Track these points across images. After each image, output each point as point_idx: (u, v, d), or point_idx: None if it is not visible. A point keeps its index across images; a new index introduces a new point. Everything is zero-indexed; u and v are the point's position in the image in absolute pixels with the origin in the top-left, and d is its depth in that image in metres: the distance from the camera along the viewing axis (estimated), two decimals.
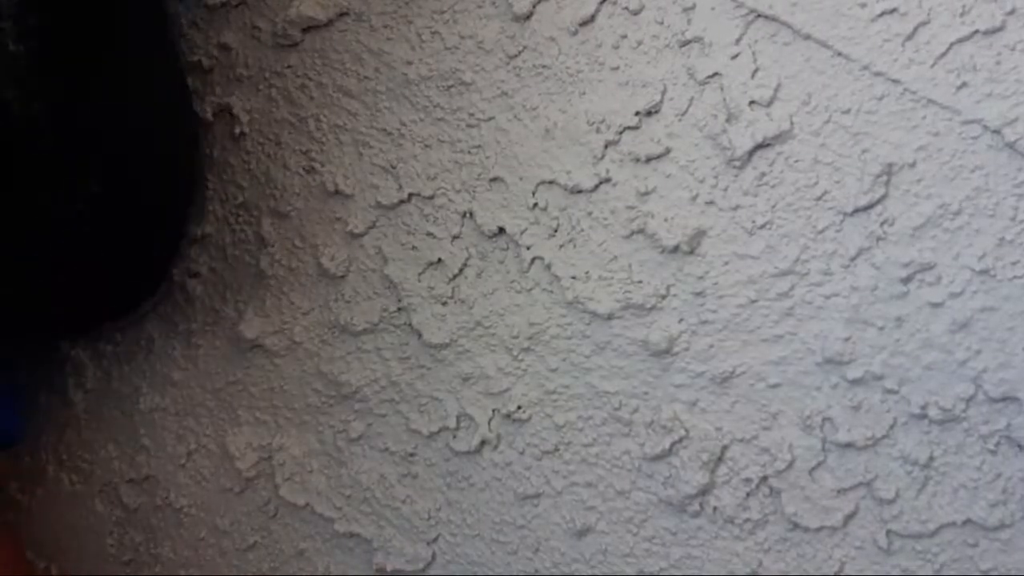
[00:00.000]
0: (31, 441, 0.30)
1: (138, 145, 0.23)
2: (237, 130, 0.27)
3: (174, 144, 0.25)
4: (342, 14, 0.26)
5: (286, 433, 0.27)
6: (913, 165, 0.23)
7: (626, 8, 0.24)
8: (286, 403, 0.27)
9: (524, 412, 0.25)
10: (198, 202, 0.26)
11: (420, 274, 0.26)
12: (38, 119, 0.21)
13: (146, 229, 0.24)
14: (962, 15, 0.22)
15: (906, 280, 0.23)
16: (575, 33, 0.24)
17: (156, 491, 0.29)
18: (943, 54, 0.22)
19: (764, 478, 0.24)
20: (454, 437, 0.26)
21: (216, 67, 0.27)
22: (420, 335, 0.26)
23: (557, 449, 0.26)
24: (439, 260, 0.26)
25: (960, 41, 0.22)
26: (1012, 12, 0.22)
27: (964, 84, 0.22)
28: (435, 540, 0.27)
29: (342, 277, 0.27)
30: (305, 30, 0.26)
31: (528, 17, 0.25)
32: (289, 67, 0.27)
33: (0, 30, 0.21)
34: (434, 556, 0.27)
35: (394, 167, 0.26)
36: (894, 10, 0.22)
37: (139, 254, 0.25)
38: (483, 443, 0.26)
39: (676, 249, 0.24)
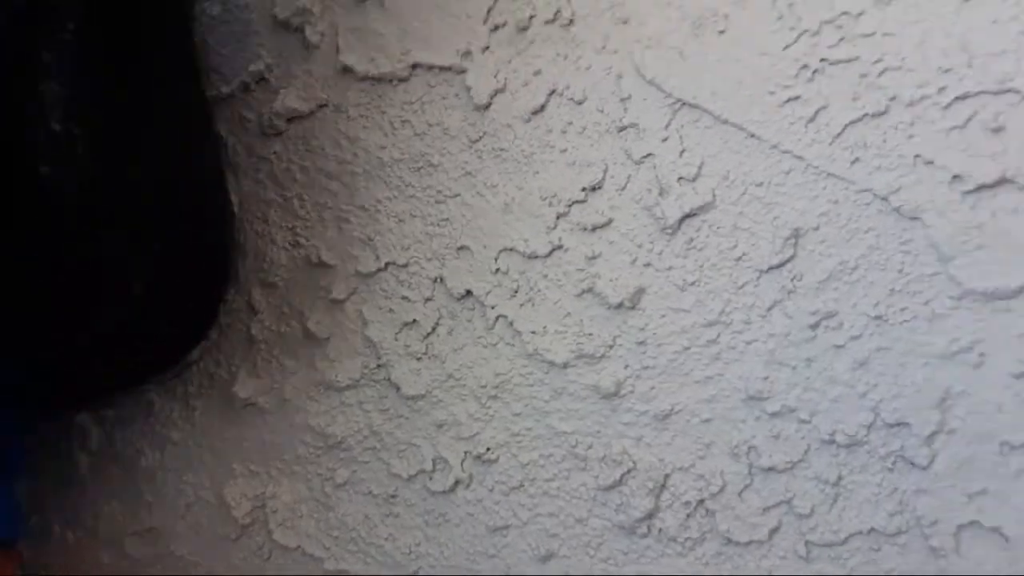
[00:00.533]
0: (38, 502, 0.31)
1: (184, 223, 0.24)
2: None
3: (217, 218, 0.26)
4: (322, 105, 0.28)
5: (277, 483, 0.29)
6: (817, 228, 0.26)
7: (571, 99, 0.27)
8: (277, 455, 0.29)
9: (492, 453, 0.28)
10: (234, 269, 0.28)
11: (397, 333, 0.28)
12: (84, 195, 0.22)
13: (188, 300, 0.26)
14: (854, 100, 0.25)
15: (813, 326, 0.26)
16: (528, 120, 0.27)
17: (158, 541, 0.31)
18: (839, 134, 0.26)
19: (701, 501, 0.27)
20: (430, 479, 0.28)
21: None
22: (398, 388, 0.28)
23: (522, 485, 0.28)
24: (414, 320, 0.28)
25: (853, 123, 0.26)
26: (894, 98, 0.25)
27: (857, 159, 0.25)
28: (416, 572, 0.29)
29: (326, 339, 0.29)
30: (289, 120, 0.29)
31: (487, 107, 0.27)
32: (275, 153, 0.29)
33: (44, 115, 0.22)
34: None
35: (371, 239, 0.28)
36: (798, 97, 0.26)
37: (182, 322, 0.26)
38: (457, 483, 0.28)
39: (620, 305, 0.27)
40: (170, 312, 0.25)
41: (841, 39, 0.25)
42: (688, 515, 0.27)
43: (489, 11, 0.27)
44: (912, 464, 0.26)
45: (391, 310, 0.28)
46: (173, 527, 0.30)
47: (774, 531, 0.27)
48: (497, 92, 0.27)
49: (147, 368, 0.26)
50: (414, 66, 0.27)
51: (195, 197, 0.25)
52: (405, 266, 0.28)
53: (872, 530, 0.26)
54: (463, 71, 0.27)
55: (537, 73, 0.27)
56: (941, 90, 0.25)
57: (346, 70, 0.28)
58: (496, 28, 0.27)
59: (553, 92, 0.27)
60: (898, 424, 0.26)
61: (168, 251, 0.24)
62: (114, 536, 0.31)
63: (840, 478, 0.26)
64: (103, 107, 0.22)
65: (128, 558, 0.30)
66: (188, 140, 0.25)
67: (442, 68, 0.27)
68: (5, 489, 0.28)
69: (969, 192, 0.25)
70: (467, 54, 0.27)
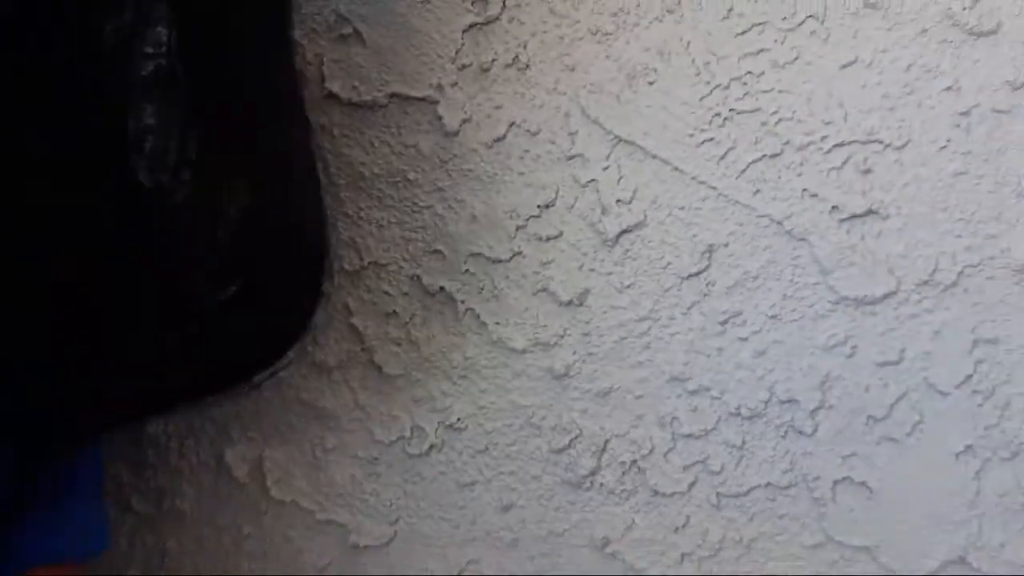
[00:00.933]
0: None
1: (285, 225, 0.34)
2: None
3: (315, 219, 0.36)
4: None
5: (273, 447, 0.48)
6: (726, 245, 0.45)
7: (527, 131, 0.45)
8: (273, 425, 0.48)
9: (462, 423, 0.47)
10: (329, 270, 0.39)
11: (378, 323, 0.47)
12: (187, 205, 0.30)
13: (286, 300, 0.36)
14: (756, 143, 0.44)
15: (723, 323, 0.45)
16: (491, 147, 0.45)
17: (163, 500, 0.50)
18: (744, 170, 0.44)
19: (634, 461, 0.47)
20: (409, 444, 0.48)
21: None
22: (380, 369, 0.47)
23: (487, 449, 0.48)
24: (393, 311, 0.47)
25: (755, 161, 0.44)
26: (788, 143, 0.44)
27: (758, 191, 0.44)
28: (396, 521, 0.49)
29: (315, 327, 0.47)
30: None
31: (456, 133, 0.45)
32: None
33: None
34: (395, 533, 0.48)
35: (355, 241, 0.47)
36: (712, 139, 0.44)
37: (278, 326, 0.36)
38: (431, 447, 0.48)
39: (569, 303, 0.46)
40: (267, 314, 0.35)
41: (746, 93, 0.43)
42: (624, 472, 0.47)
43: (457, 52, 0.44)
44: (800, 432, 0.46)
45: (374, 303, 0.47)
46: (177, 486, 0.49)
47: (692, 484, 0.47)
48: (464, 121, 0.45)
49: (246, 368, 0.37)
50: (392, 95, 0.45)
51: (295, 197, 0.35)
52: (385, 265, 0.46)
53: (769, 484, 0.47)
54: (435, 102, 0.45)
55: (498, 107, 0.45)
56: (823, 138, 0.43)
57: (331, 95, 0.45)
58: (463, 67, 0.44)
59: (512, 124, 0.45)
60: (789, 401, 0.46)
61: (268, 254, 0.33)
62: (122, 495, 0.50)
63: (744, 443, 0.46)
64: (203, 110, 0.31)
65: (135, 513, 0.49)
66: (289, 143, 0.35)
67: (417, 99, 0.45)
68: (97, 502, 0.38)
69: (844, 219, 0.44)
70: (439, 87, 0.45)
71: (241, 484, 0.48)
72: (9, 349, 0.31)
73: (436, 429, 0.47)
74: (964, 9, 0.41)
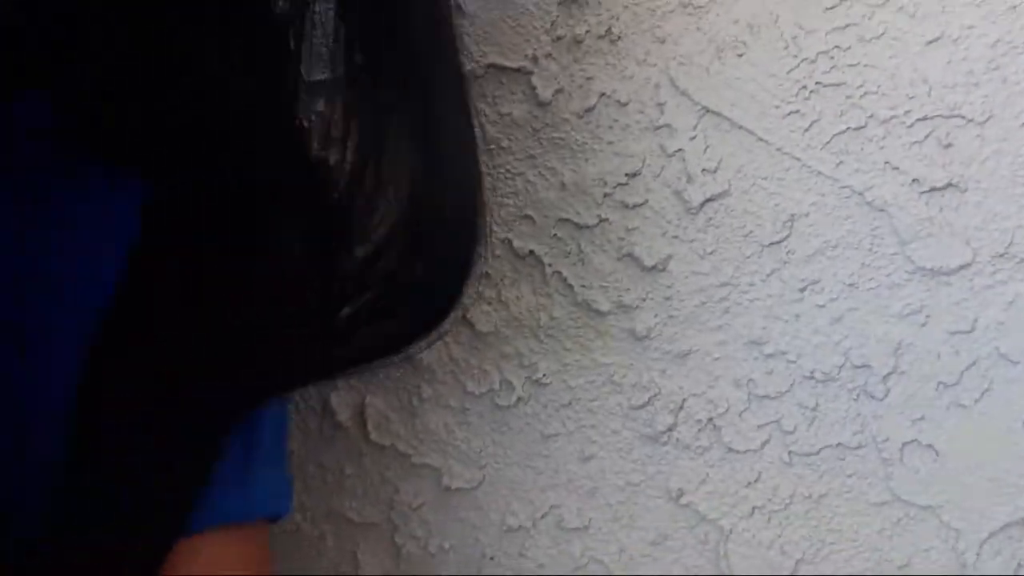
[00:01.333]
0: None
1: (448, 192, 0.34)
2: None
3: (473, 184, 0.36)
4: None
5: (374, 395, 0.52)
6: (807, 215, 0.46)
7: (617, 101, 0.47)
8: (373, 375, 0.52)
9: (547, 379, 0.50)
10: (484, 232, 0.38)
11: (472, 283, 0.50)
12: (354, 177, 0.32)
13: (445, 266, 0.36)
14: (840, 116, 0.45)
15: (802, 290, 0.47)
16: (581, 116, 0.47)
17: None
18: (828, 142, 0.46)
19: (710, 419, 0.49)
20: (498, 396, 0.51)
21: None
22: (473, 326, 0.50)
23: (570, 403, 0.50)
24: (486, 273, 0.49)
25: (839, 134, 0.45)
26: (872, 116, 0.45)
27: (841, 162, 0.46)
28: (484, 467, 0.52)
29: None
30: None
31: (548, 104, 0.47)
32: None
33: None
34: (484, 478, 0.51)
35: None
36: (797, 111, 0.45)
37: (438, 290, 0.37)
38: (518, 400, 0.50)
39: (653, 268, 0.48)
40: (427, 281, 0.36)
41: (833, 67, 0.45)
42: (699, 430, 0.50)
43: (552, 24, 0.46)
44: (871, 396, 0.48)
45: None
46: (288, 429, 0.53)
47: (765, 443, 0.49)
48: (557, 92, 0.47)
49: (402, 340, 0.37)
50: (488, 66, 0.47)
51: (458, 161, 0.35)
52: None
53: (839, 444, 0.49)
54: (530, 73, 0.47)
55: (590, 78, 0.46)
56: (907, 112, 0.44)
57: None
58: (557, 39, 0.46)
59: (602, 95, 0.46)
60: (863, 366, 0.47)
61: (431, 222, 0.34)
62: None
63: (817, 405, 0.48)
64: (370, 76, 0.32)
65: None
66: (447, 107, 0.35)
67: (512, 69, 0.47)
68: (282, 469, 0.39)
69: (924, 192, 0.45)
70: (533, 59, 0.47)
71: (344, 428, 0.52)
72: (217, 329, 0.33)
73: (523, 383, 0.49)
74: None
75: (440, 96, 0.35)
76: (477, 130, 0.37)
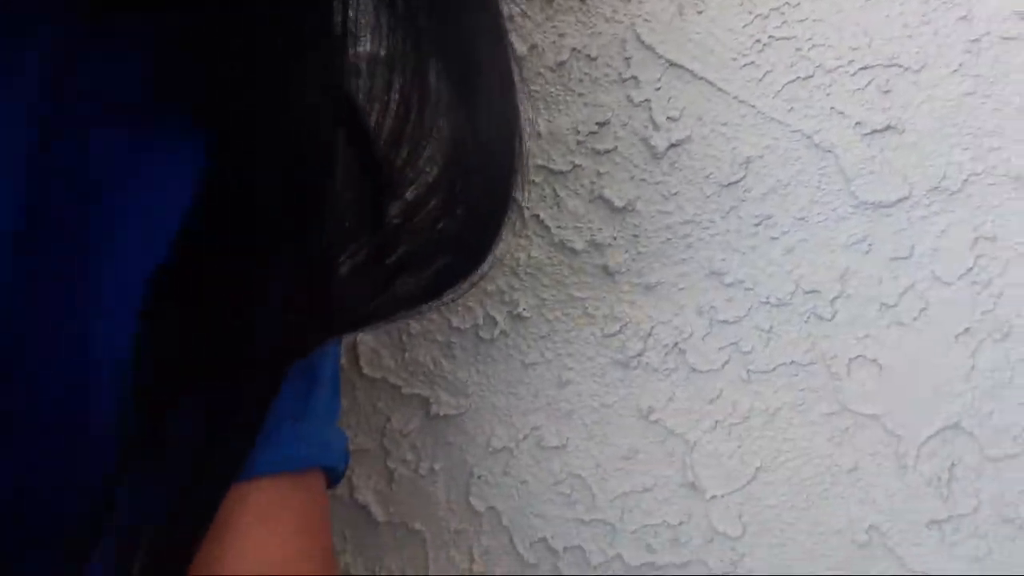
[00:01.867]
0: None
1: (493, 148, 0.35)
2: None
3: (511, 129, 0.36)
4: None
5: (365, 332, 0.56)
6: (761, 157, 0.51)
7: (587, 56, 0.50)
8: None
9: (527, 313, 0.54)
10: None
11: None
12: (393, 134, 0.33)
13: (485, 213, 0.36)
14: (791, 67, 0.49)
15: (756, 225, 0.52)
16: (554, 70, 0.51)
17: None
18: (779, 91, 0.50)
19: (676, 344, 0.54)
20: (481, 330, 0.55)
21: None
22: None
23: (548, 335, 0.55)
24: None
25: (789, 83, 0.50)
26: (819, 66, 0.49)
27: (791, 109, 0.50)
28: (470, 395, 0.56)
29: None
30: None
31: (524, 59, 0.50)
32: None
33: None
34: (469, 405, 0.56)
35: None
36: (752, 63, 0.50)
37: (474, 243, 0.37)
38: (501, 333, 0.55)
39: (622, 209, 0.52)
40: (466, 228, 0.36)
41: (783, 22, 0.49)
42: (666, 354, 0.54)
43: None
44: (821, 318, 0.53)
45: None
46: None
47: (725, 363, 0.54)
48: (531, 48, 0.50)
49: (438, 287, 0.37)
50: None
51: (496, 113, 0.35)
52: None
53: (792, 362, 0.54)
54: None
55: (561, 35, 0.50)
56: (850, 62, 0.49)
57: None
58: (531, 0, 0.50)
59: (574, 50, 0.50)
60: (812, 291, 0.53)
61: (471, 170, 0.35)
62: None
63: (771, 328, 0.53)
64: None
65: None
66: (485, 52, 0.35)
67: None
68: (335, 422, 0.39)
69: (866, 134, 0.50)
70: (509, 18, 0.50)
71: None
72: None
73: (504, 318, 0.54)
74: None
75: (479, 42, 0.35)
76: (516, 75, 0.37)
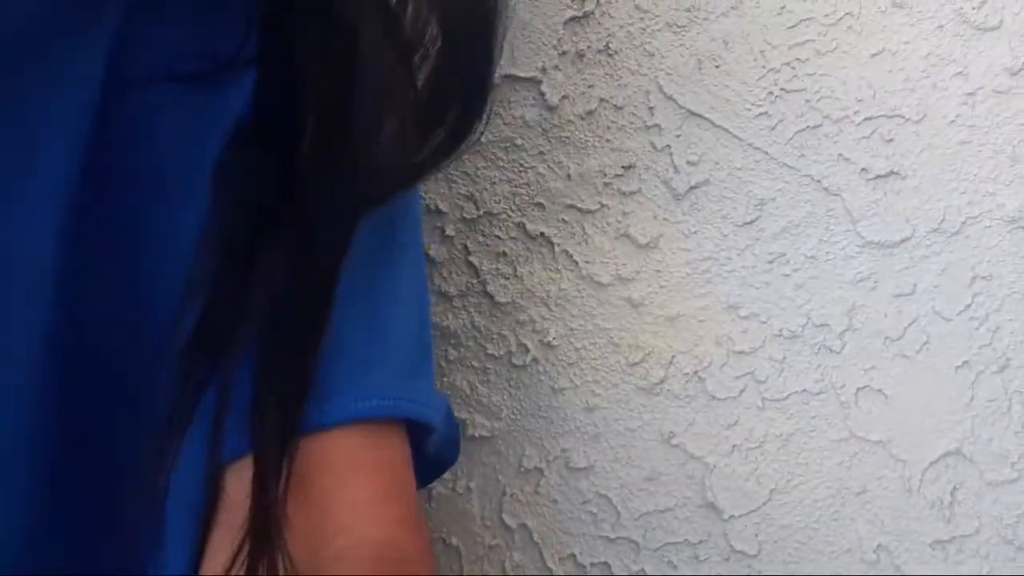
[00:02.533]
0: None
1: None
2: None
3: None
4: None
5: None
6: (774, 199, 0.55)
7: (614, 105, 0.55)
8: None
9: (556, 341, 0.59)
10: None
11: (491, 261, 0.58)
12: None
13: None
14: (800, 117, 0.54)
15: (770, 262, 0.56)
16: (584, 118, 0.56)
17: None
18: (791, 138, 0.54)
19: (696, 372, 0.58)
20: (514, 357, 0.59)
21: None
22: (492, 297, 0.58)
23: (576, 362, 0.59)
24: (503, 252, 0.58)
25: (799, 131, 0.54)
26: (827, 117, 0.54)
27: (802, 155, 0.54)
28: (503, 418, 0.61)
29: (441, 263, 0.58)
30: None
31: (556, 108, 0.55)
32: None
33: None
34: (503, 427, 0.60)
35: (473, 196, 0.58)
36: (765, 112, 0.54)
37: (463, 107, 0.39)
38: (532, 360, 0.59)
39: (646, 245, 0.57)
40: (467, 83, 0.39)
41: (794, 76, 0.53)
42: (687, 381, 0.59)
43: (558, 41, 0.54)
44: (830, 350, 0.57)
45: (487, 244, 0.58)
46: None
47: (742, 391, 0.58)
48: (563, 98, 0.55)
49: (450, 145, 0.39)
50: (504, 76, 0.55)
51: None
52: (497, 215, 0.57)
53: (804, 390, 0.58)
54: (539, 82, 0.55)
55: (591, 86, 0.55)
56: (856, 113, 0.53)
57: None
58: (563, 53, 0.55)
59: (602, 100, 0.55)
60: (822, 325, 0.57)
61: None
62: None
63: (784, 358, 0.57)
64: None
65: None
66: None
67: (524, 79, 0.55)
68: (424, 379, 0.40)
69: (871, 179, 0.54)
70: (543, 70, 0.55)
71: None
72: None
73: (536, 346, 0.58)
74: (973, 8, 0.51)
75: None
76: None
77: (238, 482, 0.33)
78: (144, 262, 0.36)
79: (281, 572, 0.32)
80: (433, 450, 0.41)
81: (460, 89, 0.40)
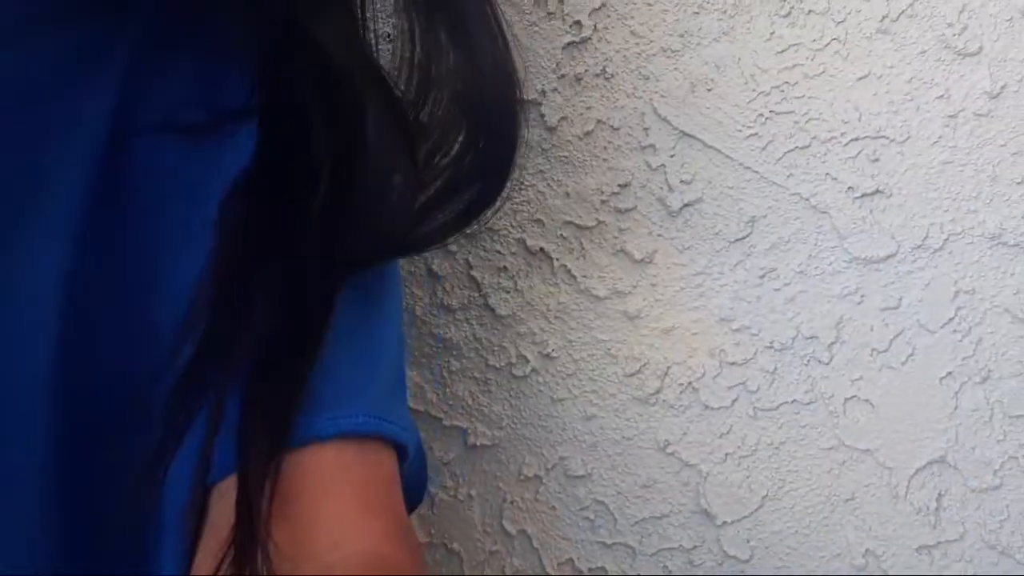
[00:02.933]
0: None
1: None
2: None
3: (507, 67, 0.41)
4: None
5: (410, 368, 0.62)
6: (764, 217, 0.58)
7: (611, 126, 0.57)
8: (409, 352, 0.62)
9: (555, 353, 0.61)
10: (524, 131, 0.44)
11: (492, 275, 0.60)
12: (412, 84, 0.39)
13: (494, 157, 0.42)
14: (790, 138, 0.56)
15: (761, 277, 0.58)
16: (582, 139, 0.58)
17: None
18: (780, 158, 0.57)
19: (690, 383, 0.60)
20: (514, 368, 0.61)
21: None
22: (493, 311, 0.61)
23: (575, 373, 0.61)
24: (504, 266, 0.60)
25: (788, 152, 0.57)
26: (815, 138, 0.56)
27: (791, 174, 0.57)
28: (503, 427, 0.63)
29: (443, 277, 0.61)
30: None
31: (555, 128, 0.58)
32: None
33: None
34: (503, 436, 0.63)
35: None
36: (756, 134, 0.57)
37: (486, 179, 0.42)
38: (532, 371, 0.61)
39: (641, 260, 0.59)
40: (484, 160, 0.41)
41: (783, 98, 0.56)
42: (681, 392, 0.61)
43: (557, 65, 0.57)
44: (819, 361, 0.59)
45: (488, 259, 0.60)
46: None
47: (734, 401, 0.60)
48: (561, 119, 0.58)
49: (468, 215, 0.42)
50: None
51: (490, 53, 0.40)
52: (498, 231, 0.59)
53: (794, 400, 0.60)
54: (539, 103, 0.57)
55: (588, 108, 0.57)
56: (843, 134, 0.55)
57: None
58: (561, 77, 0.57)
59: (599, 121, 0.57)
60: (811, 337, 0.59)
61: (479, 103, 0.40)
62: None
63: (775, 369, 0.60)
64: None
65: None
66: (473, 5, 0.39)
67: (525, 101, 0.58)
68: (400, 401, 0.42)
69: (857, 197, 0.56)
70: (543, 92, 0.57)
71: None
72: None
73: (535, 357, 0.60)
74: (954, 35, 0.53)
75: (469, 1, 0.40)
76: (503, 20, 0.42)
77: (225, 501, 0.34)
78: (145, 301, 0.38)
79: None
80: (404, 482, 0.41)
81: (480, 174, 0.43)
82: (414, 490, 0.41)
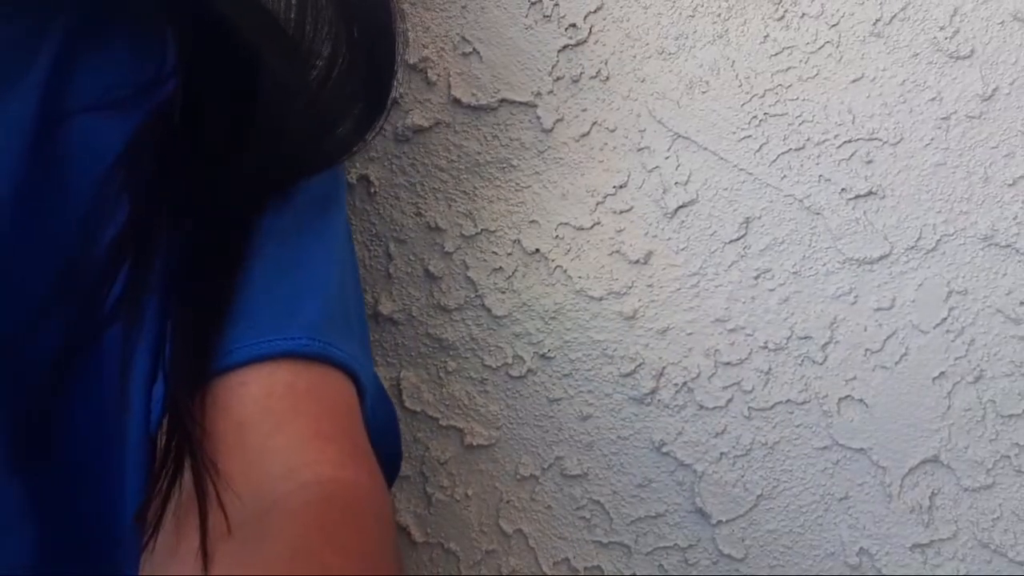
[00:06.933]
0: None
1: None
2: (372, 190, 0.61)
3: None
4: (437, 123, 0.60)
5: (407, 370, 0.63)
6: (759, 218, 0.59)
7: (607, 128, 0.59)
8: (408, 353, 0.63)
9: (552, 353, 0.62)
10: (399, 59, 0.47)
11: (488, 276, 0.62)
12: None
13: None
14: (784, 140, 0.58)
15: (756, 278, 0.60)
16: (578, 140, 0.59)
17: None
18: (774, 160, 0.58)
19: (685, 383, 0.62)
20: (511, 368, 0.63)
21: (359, 152, 0.61)
22: (490, 311, 0.62)
23: (571, 373, 0.62)
24: (500, 267, 0.61)
25: (783, 153, 0.58)
26: (808, 139, 0.58)
27: (785, 176, 0.58)
28: (500, 427, 0.64)
29: (440, 278, 0.62)
30: (415, 131, 0.60)
31: (551, 130, 0.59)
32: (404, 152, 0.61)
33: None
34: (500, 436, 0.64)
35: (471, 213, 0.61)
36: (750, 136, 0.58)
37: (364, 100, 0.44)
38: (528, 371, 0.63)
39: (637, 261, 0.60)
40: (368, 80, 0.44)
41: (777, 101, 0.57)
42: (676, 391, 0.62)
43: (553, 67, 0.58)
44: (813, 361, 0.60)
45: (485, 260, 0.61)
46: None
47: (729, 401, 0.62)
48: (557, 121, 0.59)
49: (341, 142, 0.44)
50: (502, 100, 0.59)
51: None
52: (494, 232, 0.61)
53: (788, 400, 0.61)
54: (535, 106, 0.59)
55: (584, 110, 0.59)
56: (836, 136, 0.57)
57: (455, 101, 0.59)
58: (558, 79, 0.58)
59: (595, 123, 0.59)
60: (805, 337, 0.60)
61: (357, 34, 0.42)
62: None
63: (770, 369, 0.61)
64: None
65: None
66: None
67: (521, 103, 0.59)
68: (353, 336, 0.42)
69: (851, 199, 0.58)
70: (538, 94, 0.59)
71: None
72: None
73: (532, 358, 0.61)
74: (947, 38, 0.54)
75: None
76: None
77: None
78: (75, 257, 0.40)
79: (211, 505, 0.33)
80: (369, 425, 0.39)
81: (363, 88, 0.45)
82: (381, 441, 0.40)
